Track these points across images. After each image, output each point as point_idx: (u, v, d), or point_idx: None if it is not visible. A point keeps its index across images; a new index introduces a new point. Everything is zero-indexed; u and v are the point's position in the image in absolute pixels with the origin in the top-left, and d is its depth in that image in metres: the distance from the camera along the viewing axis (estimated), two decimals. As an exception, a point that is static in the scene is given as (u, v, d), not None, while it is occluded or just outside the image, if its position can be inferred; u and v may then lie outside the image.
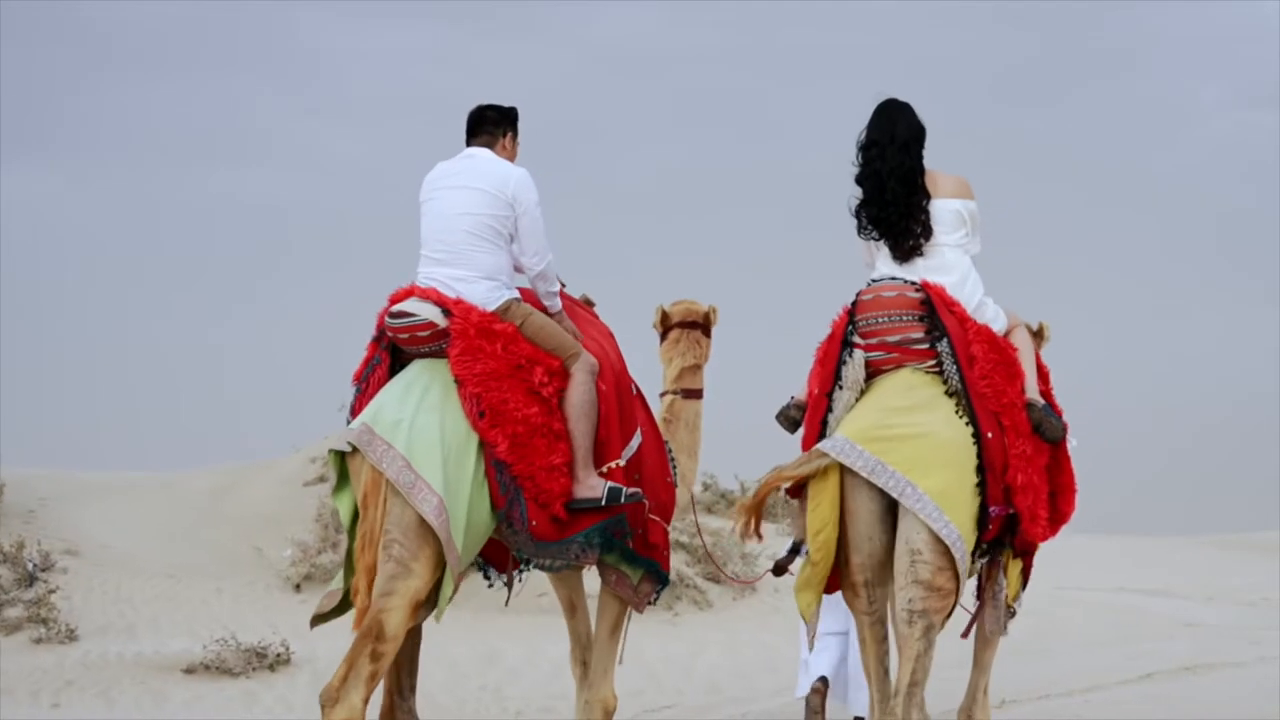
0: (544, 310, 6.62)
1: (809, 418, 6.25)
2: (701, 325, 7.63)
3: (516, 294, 6.53)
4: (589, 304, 7.18)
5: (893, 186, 6.10)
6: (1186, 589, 18.75)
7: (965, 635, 6.58)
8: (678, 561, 13.85)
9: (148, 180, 32.68)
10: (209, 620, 11.83)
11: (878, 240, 6.21)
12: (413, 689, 6.33)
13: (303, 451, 15.74)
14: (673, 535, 14.55)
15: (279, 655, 10.54)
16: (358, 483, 6.07)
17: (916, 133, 6.19)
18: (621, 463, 6.60)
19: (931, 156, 6.33)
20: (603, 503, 6.40)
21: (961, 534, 5.77)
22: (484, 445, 6.15)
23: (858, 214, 6.24)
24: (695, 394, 7.54)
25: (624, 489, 6.46)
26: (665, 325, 7.62)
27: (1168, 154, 34.71)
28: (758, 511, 6.07)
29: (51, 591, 11.45)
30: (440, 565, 6.04)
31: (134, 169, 32.39)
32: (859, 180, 6.19)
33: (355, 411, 6.39)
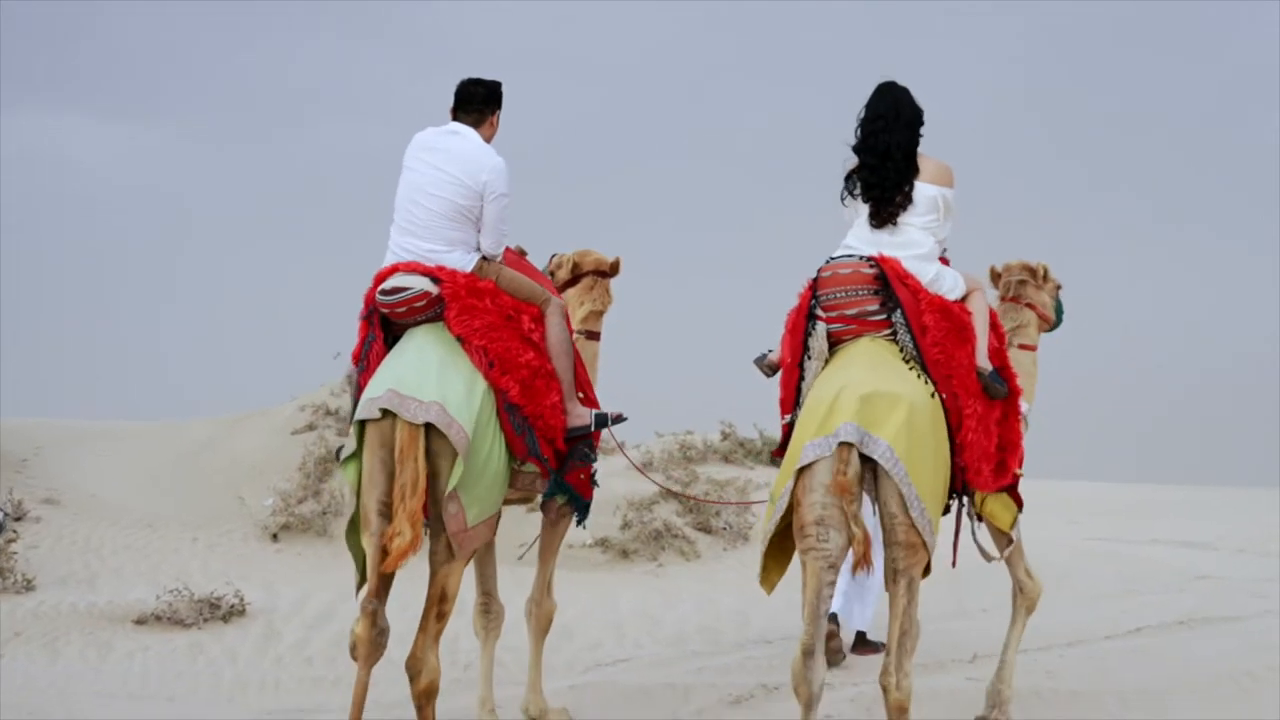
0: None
1: (784, 381, 6.71)
2: (609, 275, 8.16)
3: (481, 253, 6.92)
4: (522, 253, 7.54)
5: (897, 158, 6.58)
6: (1219, 540, 18.18)
7: (954, 564, 7.04)
8: (666, 512, 13.49)
9: (180, 132, 32.54)
10: (175, 570, 11.57)
11: (864, 202, 6.66)
12: (385, 591, 6.39)
13: (296, 400, 15.48)
14: (661, 485, 14.30)
15: (233, 606, 10.25)
16: (382, 448, 6.25)
17: (917, 113, 6.69)
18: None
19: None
20: (591, 428, 6.94)
21: (919, 494, 6.15)
22: (495, 392, 6.54)
23: (850, 177, 6.72)
24: (595, 336, 8.05)
25: (607, 413, 7.08)
26: (576, 272, 8.11)
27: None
28: None
29: (11, 541, 11.24)
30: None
31: (172, 120, 32.26)
32: (859, 149, 6.67)
33: (362, 388, 6.61)
